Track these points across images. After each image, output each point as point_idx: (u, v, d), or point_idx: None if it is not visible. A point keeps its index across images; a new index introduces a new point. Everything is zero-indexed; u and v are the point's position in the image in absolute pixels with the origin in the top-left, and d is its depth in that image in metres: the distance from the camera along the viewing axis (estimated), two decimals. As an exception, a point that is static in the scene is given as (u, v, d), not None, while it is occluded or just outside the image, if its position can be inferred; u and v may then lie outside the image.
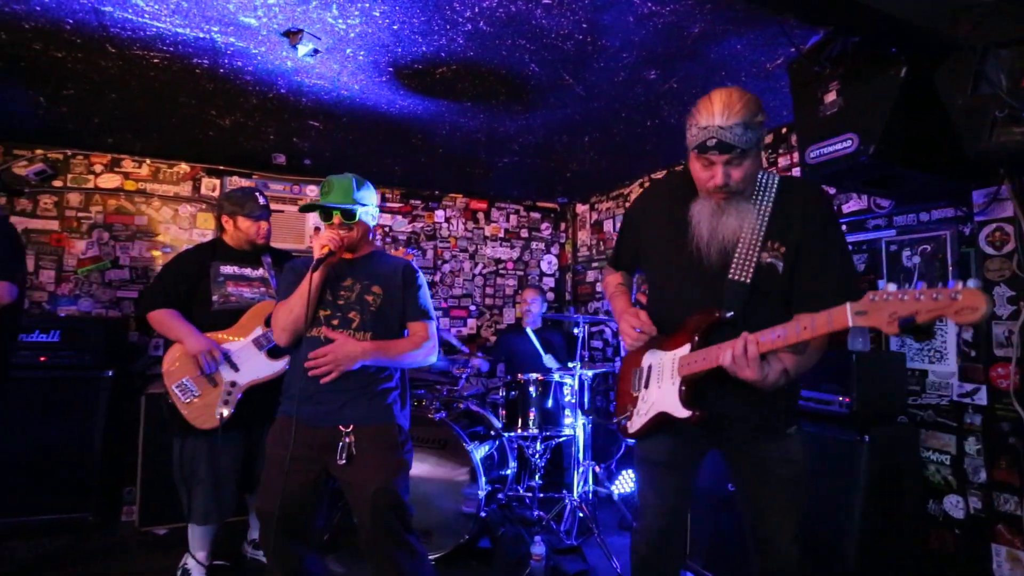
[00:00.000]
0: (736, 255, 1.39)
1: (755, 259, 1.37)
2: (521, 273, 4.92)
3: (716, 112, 1.28)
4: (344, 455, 1.67)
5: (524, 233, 4.95)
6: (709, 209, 1.41)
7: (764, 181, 1.42)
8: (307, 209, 1.90)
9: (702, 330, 1.40)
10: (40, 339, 3.01)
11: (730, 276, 1.39)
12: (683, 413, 1.40)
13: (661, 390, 1.48)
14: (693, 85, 2.53)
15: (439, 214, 4.65)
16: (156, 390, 2.98)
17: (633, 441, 1.65)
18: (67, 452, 2.95)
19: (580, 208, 4.97)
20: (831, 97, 1.79)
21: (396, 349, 1.80)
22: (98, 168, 3.69)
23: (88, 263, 3.64)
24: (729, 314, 1.36)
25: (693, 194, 1.47)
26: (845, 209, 2.63)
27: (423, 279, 1.95)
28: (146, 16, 2.04)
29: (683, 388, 1.41)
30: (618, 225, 4.34)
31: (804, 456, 1.45)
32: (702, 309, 1.42)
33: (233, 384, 2.26)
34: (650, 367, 1.54)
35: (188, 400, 2.22)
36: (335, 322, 1.77)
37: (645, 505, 1.59)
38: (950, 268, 2.17)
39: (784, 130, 3.00)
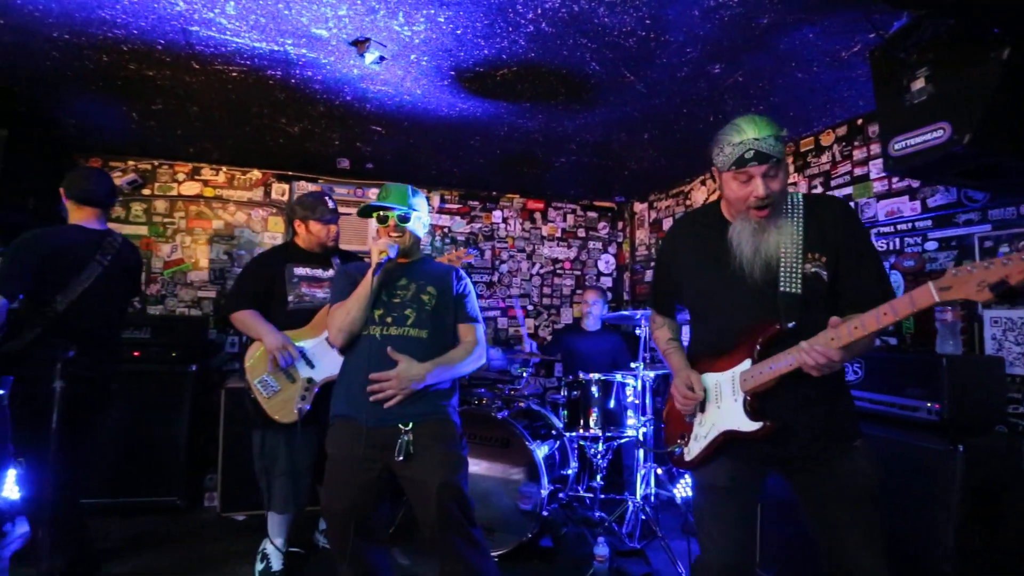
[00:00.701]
0: (782, 269, 1.44)
1: (800, 270, 1.43)
2: (578, 273, 4.89)
3: (747, 128, 1.38)
4: (402, 453, 1.70)
5: (581, 232, 4.92)
6: (750, 229, 1.46)
7: (791, 199, 1.52)
8: (365, 212, 1.94)
9: (762, 343, 1.43)
10: (133, 336, 3.26)
11: (782, 289, 1.43)
12: (752, 426, 1.42)
13: (721, 410, 1.50)
14: (759, 78, 2.44)
15: (496, 214, 4.69)
16: (234, 385, 3.17)
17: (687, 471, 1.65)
18: (158, 441, 3.19)
19: (638, 206, 4.88)
20: (919, 84, 1.67)
21: (454, 361, 1.85)
22: (181, 176, 3.96)
23: (172, 265, 3.91)
24: (792, 324, 1.40)
25: (721, 223, 1.55)
26: (930, 203, 2.46)
27: (470, 284, 2.03)
28: (228, 33, 2.17)
29: (749, 400, 1.43)
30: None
31: (875, 470, 1.43)
32: (759, 323, 1.45)
33: (310, 380, 2.37)
34: (704, 391, 1.56)
35: (269, 395, 2.34)
36: (389, 320, 1.81)
37: (708, 538, 1.54)
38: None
39: (859, 121, 2.83)
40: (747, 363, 1.46)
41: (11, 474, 2.96)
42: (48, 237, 2.19)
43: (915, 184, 2.53)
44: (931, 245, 2.46)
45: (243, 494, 3.08)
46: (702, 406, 1.56)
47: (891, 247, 2.65)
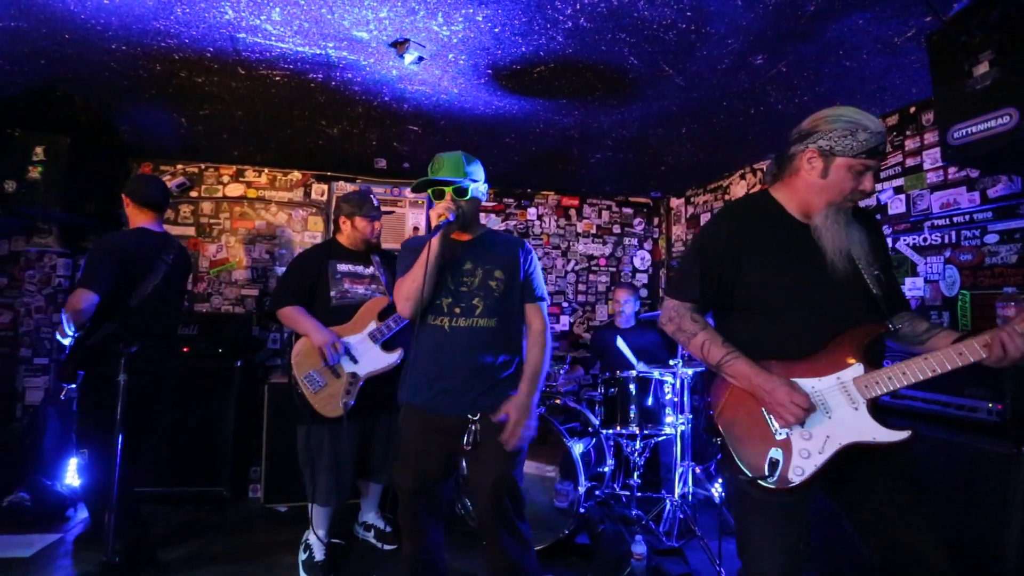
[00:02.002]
0: (863, 269, 1.41)
1: (872, 273, 1.42)
2: (614, 269, 4.85)
3: (874, 119, 1.35)
4: (470, 441, 1.73)
5: (616, 229, 4.88)
6: (841, 221, 1.40)
7: None
8: (420, 187, 1.83)
9: (868, 348, 1.36)
10: (183, 332, 3.40)
11: (875, 292, 1.41)
12: (896, 436, 1.30)
13: (836, 420, 1.35)
14: (804, 68, 2.37)
15: (531, 212, 4.69)
16: (277, 380, 3.27)
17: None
18: (206, 433, 3.32)
19: (675, 202, 4.81)
20: (982, 69, 1.59)
21: (539, 367, 1.84)
22: (225, 179, 4.10)
23: (218, 264, 4.06)
24: (899, 326, 1.37)
25: (783, 216, 1.50)
26: (991, 194, 2.34)
27: (536, 257, 1.95)
28: (273, 38, 2.23)
29: (874, 412, 1.33)
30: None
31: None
32: (863, 325, 1.37)
33: (354, 376, 2.43)
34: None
35: (316, 390, 2.41)
36: (458, 310, 1.77)
37: (761, 558, 1.40)
38: None
39: (912, 110, 2.72)
40: (858, 368, 1.34)
41: (73, 463, 3.14)
42: (124, 240, 2.37)
43: (973, 174, 2.41)
44: (991, 238, 2.34)
45: (286, 486, 3.17)
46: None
47: (946, 240, 2.53)
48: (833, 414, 1.35)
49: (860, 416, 1.33)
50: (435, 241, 1.72)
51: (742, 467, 1.39)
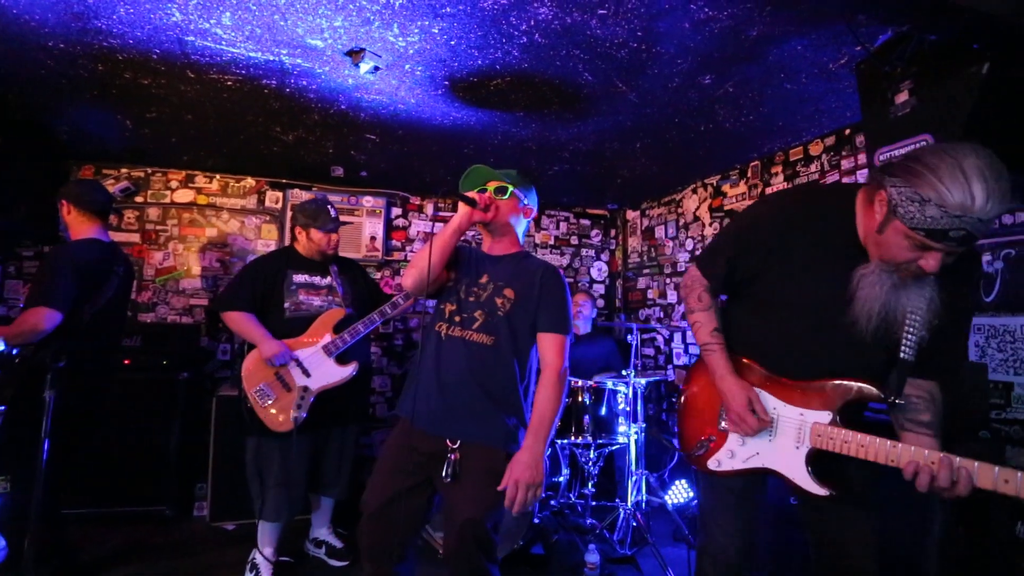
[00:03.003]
0: (907, 332, 1.21)
1: (920, 337, 1.22)
2: (571, 280, 4.91)
3: (978, 197, 1.01)
4: (450, 473, 1.56)
5: (574, 240, 4.95)
6: (887, 283, 1.20)
7: None
8: (475, 178, 1.77)
9: (850, 403, 1.27)
10: (125, 344, 3.24)
11: (903, 356, 1.22)
12: (816, 490, 1.27)
13: (775, 445, 1.35)
14: (750, 88, 2.48)
15: (489, 222, 4.69)
16: (226, 393, 3.16)
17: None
18: (148, 449, 3.17)
19: (631, 214, 4.92)
20: (903, 97, 1.71)
21: (545, 415, 1.60)
22: (174, 184, 3.96)
23: (165, 273, 3.90)
24: (900, 402, 1.22)
25: (849, 238, 1.27)
26: (916, 212, 2.50)
27: (567, 284, 1.75)
28: (223, 43, 2.18)
29: (813, 457, 1.28)
30: (671, 231, 4.29)
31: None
32: (858, 380, 1.26)
33: (306, 389, 2.37)
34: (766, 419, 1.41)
35: (265, 404, 2.35)
36: (458, 319, 1.68)
37: (717, 528, 1.48)
38: (1038, 274, 2.03)
39: (847, 132, 2.89)
40: (825, 415, 1.28)
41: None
42: (83, 252, 2.23)
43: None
44: (917, 254, 2.50)
45: (233, 503, 3.06)
46: None
47: (879, 256, 2.68)
48: (776, 440, 1.35)
49: (796, 456, 1.31)
50: (457, 214, 1.66)
51: (677, 435, 1.52)
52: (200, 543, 2.97)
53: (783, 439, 1.34)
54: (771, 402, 1.38)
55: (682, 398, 1.58)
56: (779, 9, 1.87)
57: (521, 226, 1.84)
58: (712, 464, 1.45)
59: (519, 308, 1.67)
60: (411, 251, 4.46)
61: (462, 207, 1.66)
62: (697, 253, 2.55)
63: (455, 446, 1.58)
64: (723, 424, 1.45)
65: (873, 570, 1.34)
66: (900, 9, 1.36)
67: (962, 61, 1.54)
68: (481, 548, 1.56)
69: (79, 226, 2.33)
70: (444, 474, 1.56)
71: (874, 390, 1.25)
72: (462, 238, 1.74)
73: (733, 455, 1.41)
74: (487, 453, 1.60)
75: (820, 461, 1.30)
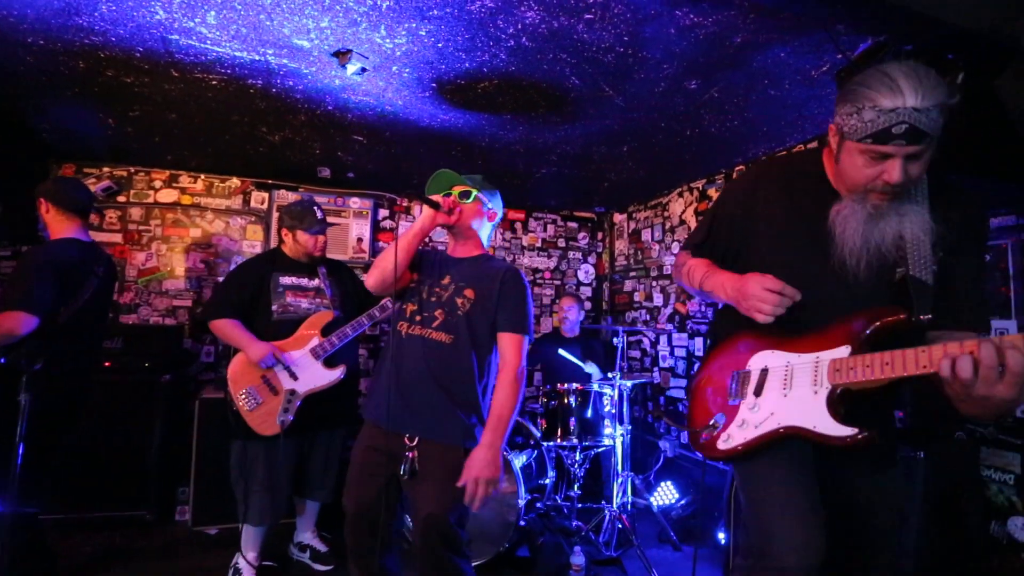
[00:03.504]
0: (911, 253, 1.14)
1: (931, 260, 1.14)
2: (558, 282, 4.93)
3: (907, 90, 1.03)
4: (407, 470, 1.60)
5: (561, 243, 4.97)
6: (862, 215, 1.16)
7: None
8: (441, 182, 1.82)
9: (875, 332, 1.12)
10: (106, 346, 3.19)
11: (912, 273, 1.14)
12: (840, 431, 1.10)
13: (789, 398, 1.20)
14: (734, 94, 2.52)
15: (477, 224, 4.70)
16: (210, 395, 3.12)
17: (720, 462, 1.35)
18: (128, 453, 3.12)
19: (618, 217, 4.95)
20: (882, 105, 1.75)
21: (502, 412, 1.64)
22: (158, 184, 3.91)
23: (147, 274, 3.85)
24: (927, 317, 1.10)
25: (823, 189, 1.24)
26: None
27: (528, 285, 1.80)
28: (208, 42, 2.16)
29: (837, 396, 1.12)
30: (657, 235, 4.33)
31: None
32: (876, 308, 1.14)
33: (293, 392, 2.35)
34: (765, 371, 1.26)
35: (252, 408, 2.32)
36: (419, 318, 1.72)
37: (784, 528, 1.18)
38: (1011, 279, 2.08)
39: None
40: (843, 350, 1.14)
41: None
42: (62, 252, 2.18)
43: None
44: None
45: (216, 507, 3.02)
46: (759, 388, 1.25)
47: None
48: (791, 392, 1.20)
49: (815, 401, 1.15)
50: (421, 216, 1.72)
51: (687, 422, 1.40)
52: (182, 548, 2.93)
53: (799, 389, 1.19)
54: (780, 358, 1.25)
55: (693, 388, 1.46)
56: (762, 17, 1.90)
57: (485, 230, 1.89)
58: (723, 443, 1.28)
59: (479, 308, 1.71)
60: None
61: (426, 210, 1.71)
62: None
63: (413, 443, 1.63)
64: (732, 398, 1.31)
65: (895, 537, 1.27)
66: (877, 20, 1.39)
67: (938, 71, 1.57)
68: (446, 543, 1.60)
69: (58, 225, 2.28)
70: (402, 471, 1.61)
71: (895, 310, 1.12)
72: (427, 241, 1.79)
73: (744, 423, 1.25)
74: (445, 450, 1.63)
75: (844, 407, 1.14)
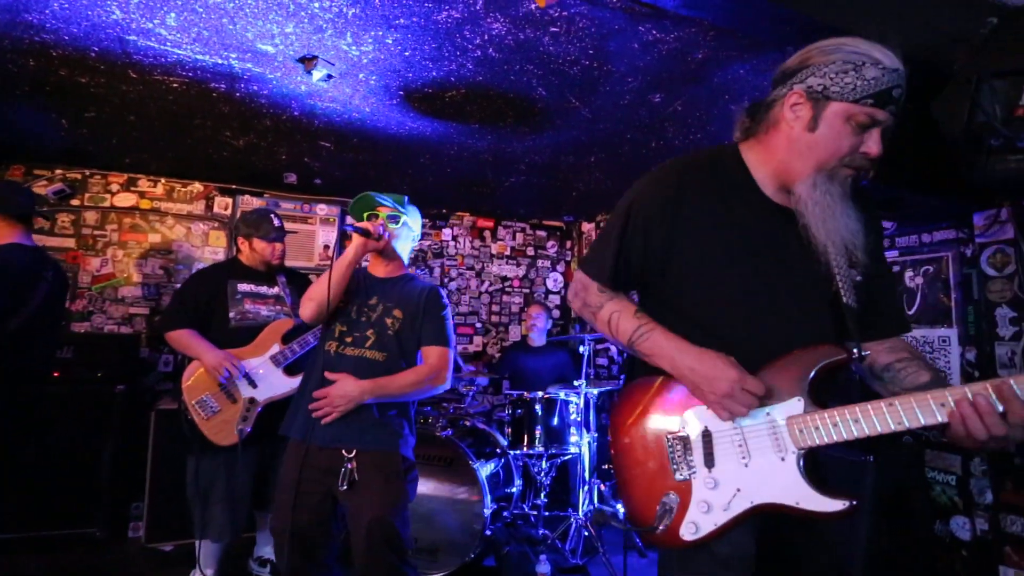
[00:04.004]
0: (837, 273, 1.04)
1: (851, 278, 1.05)
2: (527, 291, 4.96)
3: (893, 55, 0.96)
4: (345, 481, 1.65)
5: (530, 251, 5.00)
6: (837, 195, 1.01)
7: None
8: (357, 207, 1.87)
9: (819, 375, 1.00)
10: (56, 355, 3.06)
11: (846, 301, 1.04)
12: (830, 506, 0.96)
13: (753, 470, 1.01)
14: (696, 108, 2.59)
15: (446, 232, 4.71)
16: (166, 406, 3.02)
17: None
18: (77, 467, 2.99)
19: (586, 226, 5.02)
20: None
21: (396, 384, 1.75)
22: (115, 187, 3.78)
23: (102, 280, 3.71)
24: (867, 353, 1.02)
25: (749, 184, 1.10)
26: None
27: (448, 303, 1.93)
28: (168, 44, 2.12)
29: (808, 463, 0.98)
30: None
31: None
32: (818, 346, 1.01)
33: (252, 401, 2.30)
34: (707, 434, 1.05)
35: (208, 416, 2.26)
36: (349, 339, 1.79)
37: None
38: (952, 289, 2.19)
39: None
40: (796, 403, 0.99)
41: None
42: (5, 257, 2.09)
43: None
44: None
45: (171, 523, 2.91)
46: (708, 458, 1.04)
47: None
48: (751, 461, 1.01)
49: (786, 470, 0.99)
50: (352, 246, 1.76)
51: (625, 510, 1.12)
52: (134, 566, 2.82)
53: (760, 457, 1.01)
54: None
55: (615, 458, 1.14)
56: (721, 35, 1.97)
57: (407, 249, 1.98)
58: (687, 532, 1.02)
59: (407, 326, 1.83)
60: (366, 261, 4.39)
61: (356, 239, 1.76)
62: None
63: (351, 455, 1.68)
64: (678, 471, 1.05)
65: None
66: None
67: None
68: (391, 546, 1.66)
69: (1, 231, 2.20)
70: (340, 483, 1.65)
71: (836, 348, 1.01)
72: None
73: (709, 507, 1.02)
74: (382, 457, 1.72)
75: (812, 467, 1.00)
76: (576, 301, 1.22)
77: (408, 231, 1.93)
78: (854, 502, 0.96)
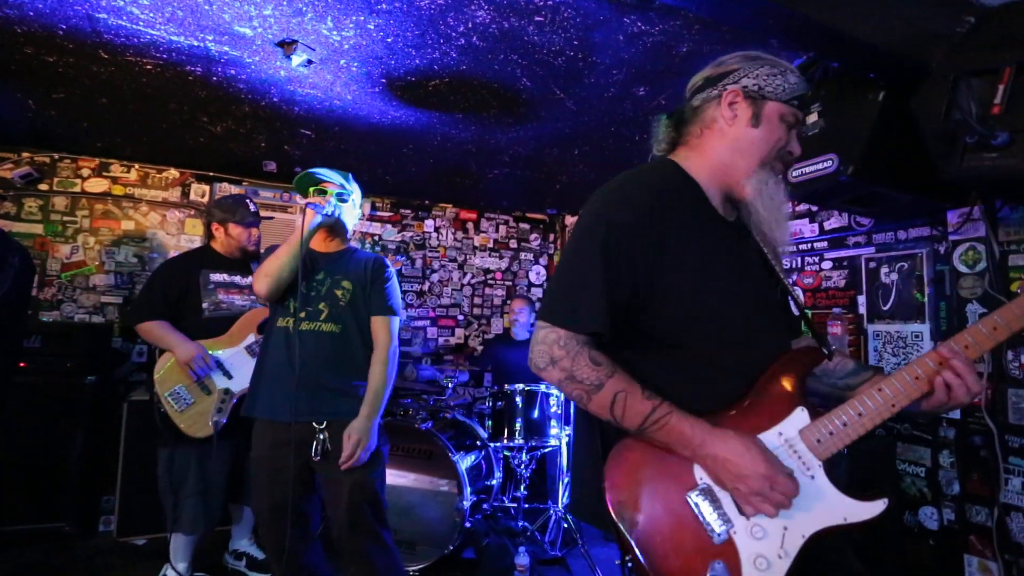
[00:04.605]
0: (782, 273, 1.08)
1: (788, 282, 1.10)
2: (510, 283, 4.94)
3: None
4: (319, 452, 1.71)
5: (513, 244, 4.99)
6: (783, 190, 1.07)
7: None
8: (303, 183, 1.89)
9: (806, 383, 1.00)
10: (23, 344, 2.96)
11: (792, 304, 1.10)
12: (872, 509, 0.95)
13: (789, 504, 0.92)
14: (681, 102, 2.56)
15: (429, 224, 4.67)
16: (139, 397, 2.95)
17: None
18: (46, 460, 2.90)
19: (569, 220, 5.01)
20: (813, 118, 1.85)
21: (378, 384, 1.82)
22: (85, 172, 3.66)
23: (72, 268, 3.60)
24: (833, 348, 1.05)
25: (700, 196, 1.06)
26: (827, 226, 2.70)
27: (392, 273, 1.98)
28: (140, 24, 2.05)
29: (826, 470, 0.95)
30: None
31: None
32: (799, 351, 1.02)
33: (227, 392, 2.26)
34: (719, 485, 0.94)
35: (182, 409, 2.21)
36: (303, 314, 1.81)
37: None
38: (926, 285, 2.24)
39: (768, 148, 3.06)
40: (802, 415, 0.96)
41: None
42: None
43: (814, 208, 2.77)
44: (827, 264, 2.70)
45: (144, 516, 2.86)
46: (728, 513, 0.93)
47: (793, 265, 2.87)
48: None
49: (819, 488, 0.93)
50: (306, 220, 1.77)
51: None
52: (105, 561, 2.76)
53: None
54: None
55: (636, 542, 0.92)
56: (706, 29, 1.97)
57: (351, 225, 2.01)
58: None
59: (356, 296, 1.88)
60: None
61: (309, 214, 1.78)
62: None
63: (322, 426, 1.74)
64: (717, 534, 0.92)
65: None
66: (805, 37, 1.46)
67: (861, 88, 1.67)
68: (373, 510, 1.72)
69: None
70: (314, 452, 1.71)
71: (818, 352, 1.02)
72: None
73: (768, 562, 0.91)
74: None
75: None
76: (555, 371, 0.97)
77: (352, 207, 1.97)
78: (890, 499, 0.96)
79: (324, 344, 1.79)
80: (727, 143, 1.06)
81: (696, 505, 0.93)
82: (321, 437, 1.72)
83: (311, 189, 1.88)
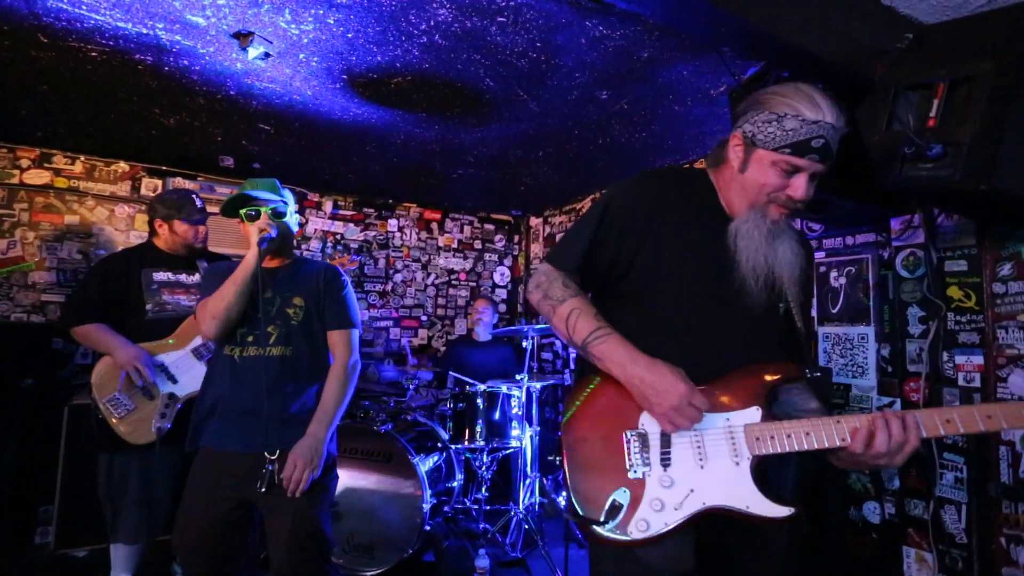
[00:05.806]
0: (791, 299, 1.14)
1: (800, 304, 1.15)
2: (474, 284, 4.93)
3: (825, 107, 1.05)
4: (264, 483, 1.58)
5: (478, 244, 4.97)
6: (764, 230, 1.11)
7: None
8: (230, 206, 1.72)
9: (773, 391, 1.09)
10: (-50, 344, 2.78)
11: (799, 325, 1.16)
12: (777, 511, 1.02)
13: (709, 472, 1.04)
14: (642, 107, 2.64)
15: (392, 223, 4.61)
16: (81, 401, 2.80)
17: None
18: (-25, 468, 2.73)
19: (534, 221, 5.04)
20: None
21: (331, 404, 1.71)
22: (24, 163, 3.47)
23: (9, 263, 3.40)
24: (818, 374, 1.20)
25: (715, 207, 1.20)
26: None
27: (347, 281, 1.87)
28: (83, 8, 1.95)
29: (756, 475, 1.04)
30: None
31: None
32: (781, 362, 1.11)
33: (172, 396, 2.16)
34: (666, 433, 1.08)
35: (122, 415, 2.10)
36: (250, 338, 1.69)
37: None
38: (871, 289, 2.34)
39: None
40: (754, 412, 1.06)
41: None
42: None
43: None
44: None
45: (85, 526, 2.70)
46: (665, 458, 1.06)
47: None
48: (707, 463, 1.05)
49: (739, 475, 1.03)
50: (251, 256, 1.64)
51: (574, 502, 1.07)
52: (41, 575, 2.61)
53: (716, 460, 1.05)
54: None
55: (566, 450, 1.12)
56: (665, 35, 2.01)
57: (294, 229, 1.89)
58: (638, 529, 1.03)
59: (310, 312, 1.76)
60: (307, 249, 4.25)
61: (252, 247, 1.66)
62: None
63: (274, 457, 1.61)
64: (633, 468, 1.06)
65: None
66: (756, 46, 1.51)
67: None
68: (316, 545, 1.62)
69: None
70: (258, 485, 1.57)
71: (795, 368, 1.10)
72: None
73: (663, 506, 1.03)
74: None
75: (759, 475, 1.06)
76: (537, 292, 1.20)
77: (290, 216, 1.83)
78: (797, 510, 1.03)
79: (274, 369, 1.67)
80: (729, 180, 1.19)
81: (628, 442, 1.08)
82: (270, 468, 1.59)
83: (242, 212, 1.72)
